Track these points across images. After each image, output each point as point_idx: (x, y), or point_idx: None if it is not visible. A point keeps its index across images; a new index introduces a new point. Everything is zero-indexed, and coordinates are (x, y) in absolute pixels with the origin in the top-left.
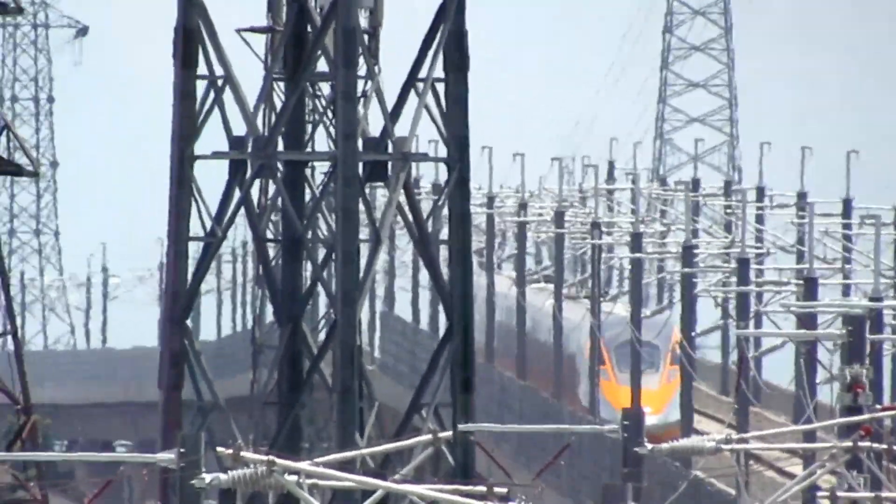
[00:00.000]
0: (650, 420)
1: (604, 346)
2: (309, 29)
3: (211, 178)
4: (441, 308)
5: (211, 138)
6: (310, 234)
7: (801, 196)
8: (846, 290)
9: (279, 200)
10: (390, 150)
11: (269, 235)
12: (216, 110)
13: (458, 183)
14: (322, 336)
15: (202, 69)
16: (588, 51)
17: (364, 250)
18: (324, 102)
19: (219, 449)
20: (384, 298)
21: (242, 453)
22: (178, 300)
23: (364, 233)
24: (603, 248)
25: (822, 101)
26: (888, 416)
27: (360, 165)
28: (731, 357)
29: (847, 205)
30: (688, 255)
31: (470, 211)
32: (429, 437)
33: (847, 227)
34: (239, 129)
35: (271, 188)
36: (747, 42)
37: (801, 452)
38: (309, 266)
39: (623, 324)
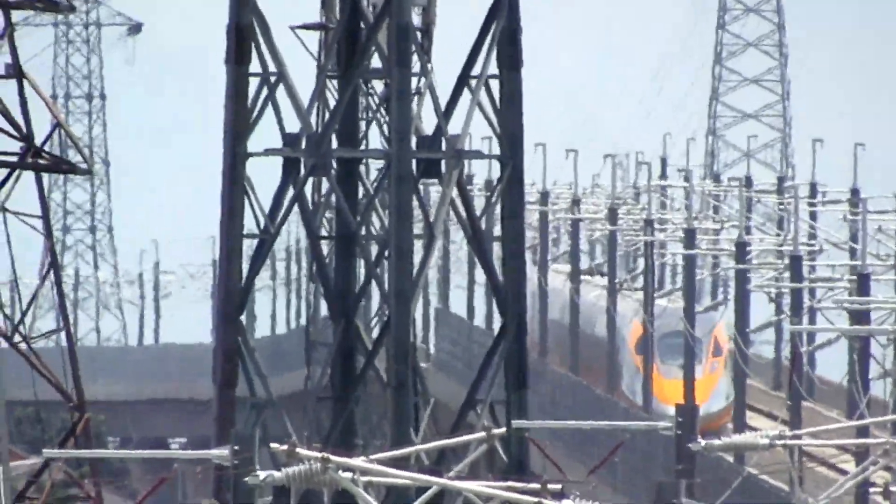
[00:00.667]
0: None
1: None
2: (362, 26)
3: (264, 175)
4: (495, 305)
5: (264, 135)
6: (363, 231)
7: (854, 192)
8: None
9: (333, 197)
10: (444, 147)
11: (323, 232)
12: (269, 108)
13: (511, 180)
14: (376, 332)
15: (255, 66)
16: (641, 47)
17: (418, 247)
18: (377, 100)
19: (273, 445)
20: (439, 295)
21: (297, 450)
22: (232, 297)
23: (418, 229)
24: (656, 244)
25: (875, 97)
26: None
27: (414, 163)
28: (785, 353)
29: None
30: (741, 251)
31: (523, 208)
32: (483, 433)
33: None
34: (292, 126)
35: (325, 185)
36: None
37: (855, 448)
38: (362, 263)
39: (666, 316)
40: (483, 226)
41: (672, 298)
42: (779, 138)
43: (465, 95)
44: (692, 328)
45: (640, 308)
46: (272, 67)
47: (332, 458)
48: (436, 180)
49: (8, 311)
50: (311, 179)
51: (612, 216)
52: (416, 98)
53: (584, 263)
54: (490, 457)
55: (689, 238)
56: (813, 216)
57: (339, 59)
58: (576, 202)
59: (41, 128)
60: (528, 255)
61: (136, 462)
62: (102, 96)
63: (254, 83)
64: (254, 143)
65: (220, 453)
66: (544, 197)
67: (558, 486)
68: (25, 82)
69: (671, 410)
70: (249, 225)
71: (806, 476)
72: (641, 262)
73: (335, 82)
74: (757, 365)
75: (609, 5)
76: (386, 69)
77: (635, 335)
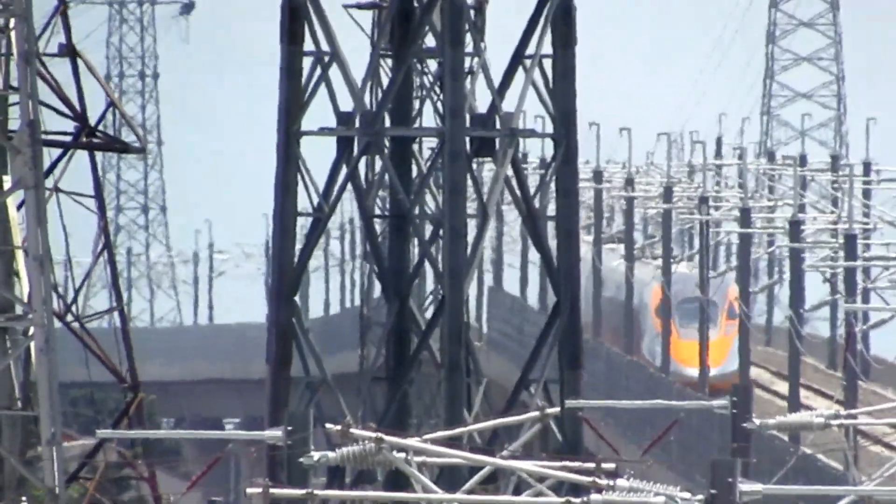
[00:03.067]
0: (715, 371)
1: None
2: (415, 4)
3: (318, 153)
4: (549, 284)
5: (318, 114)
6: (417, 211)
7: None
8: None
9: (386, 176)
10: (498, 125)
11: (377, 212)
12: (323, 86)
13: (565, 158)
14: (430, 312)
15: (308, 45)
16: (695, 26)
17: (472, 226)
18: (431, 78)
19: (327, 426)
20: (492, 274)
21: (351, 430)
22: (286, 276)
23: (471, 208)
24: (710, 223)
25: None
26: None
27: (468, 141)
28: (839, 332)
29: None
30: (795, 230)
31: (577, 186)
32: (537, 413)
33: None
34: (346, 105)
35: (378, 164)
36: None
37: None
38: (416, 242)
39: (685, 281)
40: (537, 204)
41: (690, 265)
42: (833, 117)
43: (519, 74)
44: (702, 291)
45: (655, 272)
46: (325, 46)
47: (386, 438)
48: (489, 159)
49: (62, 291)
50: (364, 158)
51: (667, 195)
52: (469, 77)
53: (640, 242)
54: (544, 436)
55: (744, 217)
56: (867, 195)
57: (393, 37)
58: (630, 181)
59: (95, 107)
60: (582, 234)
61: (189, 443)
62: (156, 75)
63: (307, 62)
64: (307, 121)
65: (274, 434)
66: (598, 175)
67: (612, 466)
68: (79, 61)
69: (689, 371)
70: (303, 204)
71: (861, 455)
72: (697, 241)
73: (388, 61)
74: (812, 344)
75: None
76: (440, 48)
77: (656, 300)
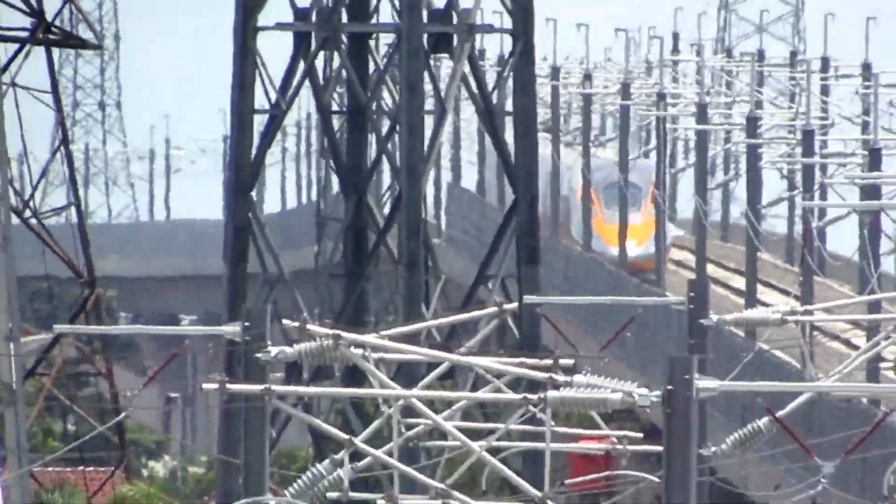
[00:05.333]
0: (634, 251)
1: (593, 187)
2: None
3: (276, 49)
4: (507, 180)
5: (276, 10)
6: (374, 106)
7: (866, 66)
8: None
9: (343, 72)
10: (455, 21)
11: (334, 107)
12: None
13: (522, 54)
14: (388, 208)
15: None
16: None
17: (429, 122)
18: None
19: (284, 322)
20: (451, 171)
21: (308, 326)
22: (243, 172)
23: (429, 104)
24: (668, 119)
25: None
26: None
27: (425, 37)
28: (797, 228)
29: None
30: (752, 126)
31: (535, 82)
32: (494, 309)
33: None
34: (303, 0)
35: (335, 60)
36: None
37: (866, 324)
38: (374, 138)
39: (610, 166)
40: (494, 101)
41: (615, 150)
42: (791, 12)
43: None
44: (625, 174)
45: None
46: None
47: (344, 334)
48: (447, 55)
49: (18, 187)
50: (321, 54)
51: (625, 91)
52: None
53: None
54: (501, 332)
55: (701, 113)
56: (825, 90)
57: None
58: (587, 77)
59: (52, 3)
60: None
61: (146, 338)
62: None
63: None
64: (265, 17)
65: (232, 329)
66: (555, 72)
67: (570, 362)
68: None
69: (613, 251)
70: (261, 100)
71: (817, 351)
72: (654, 138)
73: None
74: (769, 240)
75: None
76: None
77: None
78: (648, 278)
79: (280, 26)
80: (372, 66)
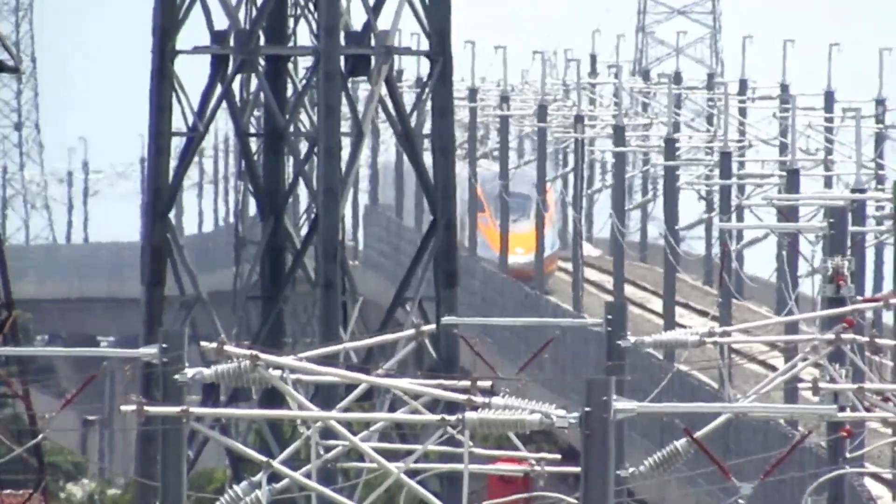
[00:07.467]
0: (523, 259)
1: (484, 197)
2: None
3: (193, 72)
4: (425, 202)
5: (193, 33)
6: (292, 129)
7: (784, 88)
8: (828, 182)
9: (261, 95)
10: (373, 43)
11: (252, 130)
12: (197, 4)
13: (440, 77)
14: (305, 230)
15: None
16: None
17: (346, 145)
18: None
19: (202, 343)
20: (369, 193)
21: (226, 348)
22: (160, 195)
23: (346, 127)
24: (585, 141)
25: None
26: (870, 308)
27: (343, 59)
28: (715, 250)
29: (829, 97)
30: (670, 147)
31: (453, 105)
32: (412, 331)
33: (829, 119)
34: (221, 23)
35: (253, 82)
36: None
37: (783, 345)
38: (291, 160)
39: (497, 178)
40: (413, 123)
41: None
42: (709, 34)
43: None
44: (512, 185)
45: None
46: None
47: (261, 355)
48: (365, 77)
49: None
50: (239, 77)
51: (542, 113)
52: None
53: (514, 161)
54: (419, 354)
55: (619, 135)
56: (742, 112)
57: None
58: (504, 99)
59: None
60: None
61: (64, 360)
62: None
63: None
64: (182, 40)
65: (149, 351)
66: (473, 94)
67: (488, 384)
68: None
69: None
70: (178, 123)
71: (735, 372)
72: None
73: None
74: (687, 261)
75: None
76: None
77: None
78: (530, 285)
79: (197, 49)
80: (290, 89)
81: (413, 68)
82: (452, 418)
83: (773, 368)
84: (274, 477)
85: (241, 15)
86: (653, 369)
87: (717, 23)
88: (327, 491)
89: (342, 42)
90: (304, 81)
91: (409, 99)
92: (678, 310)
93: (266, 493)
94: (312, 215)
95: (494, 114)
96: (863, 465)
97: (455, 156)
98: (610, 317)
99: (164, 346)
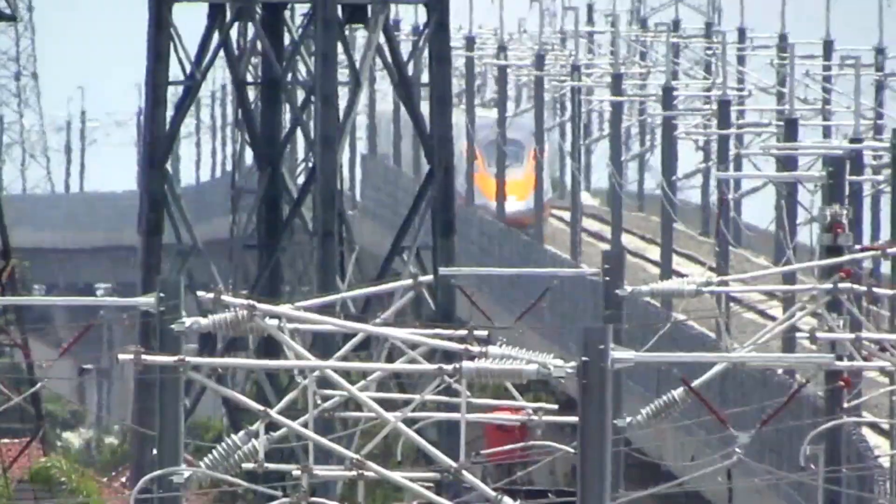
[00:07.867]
0: (516, 206)
1: (476, 145)
2: None
3: (190, 21)
4: (422, 151)
5: None
6: (289, 77)
7: (782, 38)
8: (826, 132)
9: (258, 44)
10: None
11: (249, 79)
12: None
13: (437, 25)
14: (302, 179)
15: None
16: None
17: (344, 93)
18: None
19: (199, 293)
20: (366, 141)
21: (223, 297)
22: (157, 144)
23: (344, 75)
24: (583, 90)
25: None
26: (868, 258)
27: (340, 8)
28: (712, 199)
29: (828, 46)
30: (668, 97)
31: (450, 53)
32: (409, 280)
33: (827, 68)
34: None
35: (250, 31)
36: None
37: (782, 294)
38: (288, 109)
39: (493, 125)
40: (410, 72)
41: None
42: None
43: None
44: (506, 132)
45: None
46: None
47: (258, 305)
48: (362, 25)
49: None
50: (236, 25)
51: (539, 62)
52: None
53: (511, 110)
54: (416, 304)
55: (616, 84)
56: (741, 61)
57: None
58: (502, 48)
59: None
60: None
61: (62, 309)
62: None
63: None
64: None
65: (146, 300)
66: (470, 42)
67: (485, 333)
68: None
69: (493, 205)
70: (175, 72)
71: (733, 322)
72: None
73: None
74: (685, 211)
75: None
76: None
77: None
78: (527, 232)
79: None
80: (287, 38)
81: (410, 17)
82: (449, 368)
83: (772, 318)
84: (271, 426)
85: None
86: (650, 318)
87: None
88: (325, 440)
89: None
90: (300, 30)
91: (406, 48)
92: (676, 259)
93: (263, 442)
94: (310, 164)
95: (492, 62)
96: (860, 414)
97: (452, 104)
98: (607, 266)
99: (161, 294)
